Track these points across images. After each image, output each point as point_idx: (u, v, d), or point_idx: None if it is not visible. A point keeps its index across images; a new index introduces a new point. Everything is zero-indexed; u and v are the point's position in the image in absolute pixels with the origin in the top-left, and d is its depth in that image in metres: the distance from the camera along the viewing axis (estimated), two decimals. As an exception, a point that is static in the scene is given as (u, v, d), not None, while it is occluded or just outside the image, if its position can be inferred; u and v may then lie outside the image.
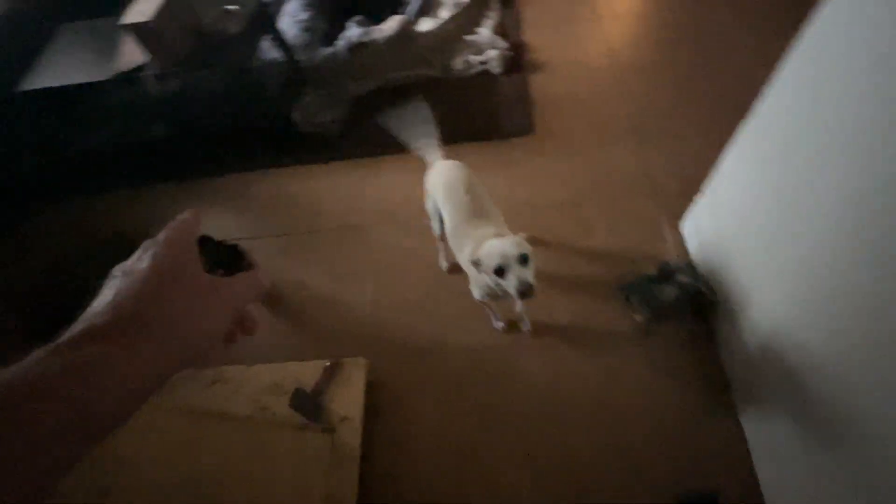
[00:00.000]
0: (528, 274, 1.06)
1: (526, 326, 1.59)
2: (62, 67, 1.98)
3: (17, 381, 0.25)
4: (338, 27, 2.41)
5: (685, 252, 1.65)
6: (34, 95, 1.97)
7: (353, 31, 2.26)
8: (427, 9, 2.47)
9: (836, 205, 0.86)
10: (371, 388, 1.53)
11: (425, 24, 2.37)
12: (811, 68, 0.92)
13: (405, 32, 2.21)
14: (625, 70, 2.19)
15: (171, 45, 1.77)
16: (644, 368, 1.48)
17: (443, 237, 1.56)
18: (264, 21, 2.06)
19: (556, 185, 1.90)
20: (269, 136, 2.30)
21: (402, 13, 2.42)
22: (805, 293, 0.99)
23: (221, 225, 2.08)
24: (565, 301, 1.64)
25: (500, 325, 1.60)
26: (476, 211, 1.29)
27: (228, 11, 1.90)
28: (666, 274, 1.53)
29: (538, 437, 1.43)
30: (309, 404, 1.45)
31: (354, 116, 2.24)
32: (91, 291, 0.34)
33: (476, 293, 1.33)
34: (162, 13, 1.68)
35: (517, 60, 2.31)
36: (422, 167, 2.07)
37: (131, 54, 1.89)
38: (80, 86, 1.94)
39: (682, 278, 1.46)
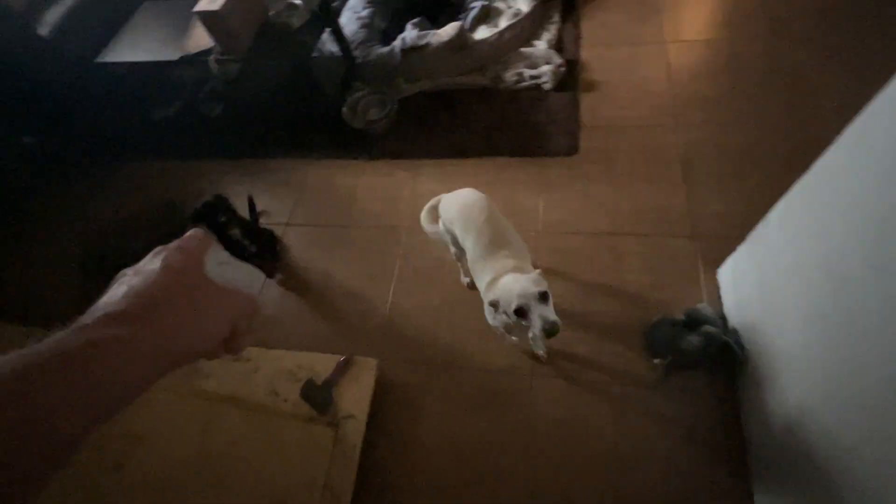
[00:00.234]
0: (551, 312, 1.04)
1: (541, 352, 1.57)
2: (137, 44, 2.12)
3: (47, 352, 0.27)
4: (396, 27, 2.44)
5: (718, 300, 1.58)
6: (110, 67, 2.12)
7: (409, 33, 2.28)
8: (486, 17, 2.46)
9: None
10: (378, 390, 1.56)
11: (482, 33, 2.36)
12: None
13: (461, 39, 2.21)
14: (683, 100, 2.10)
15: (236, 34, 1.85)
16: (657, 417, 1.43)
17: (459, 258, 1.57)
18: (327, 16, 2.11)
19: (592, 212, 1.86)
20: (318, 127, 2.36)
21: (461, 19, 2.42)
22: (842, 379, 0.93)
23: (263, 206, 2.16)
24: (584, 333, 1.61)
25: (513, 339, 1.54)
26: (496, 241, 1.27)
27: (293, 6, 1.97)
28: (694, 321, 1.47)
29: (540, 471, 1.42)
30: (318, 396, 1.50)
31: (400, 117, 2.27)
32: (139, 250, 0.39)
33: (489, 319, 1.33)
34: (231, 4, 1.76)
35: (570, 77, 2.26)
36: (458, 176, 2.09)
37: (200, 38, 1.99)
38: (150, 63, 2.07)
39: (711, 329, 1.40)
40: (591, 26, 2.48)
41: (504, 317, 1.11)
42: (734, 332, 1.44)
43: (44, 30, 2.09)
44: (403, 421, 1.56)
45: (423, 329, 1.72)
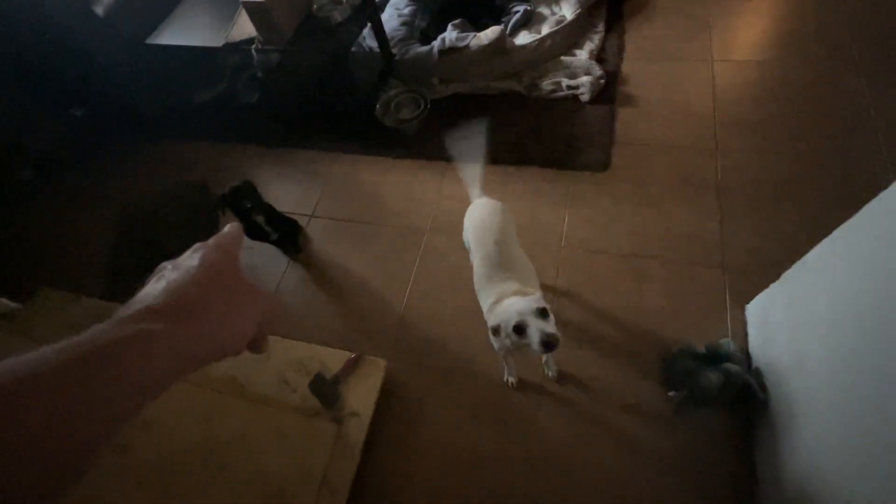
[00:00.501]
0: (550, 325, 1.03)
1: (551, 371, 1.54)
2: (185, 28, 2.18)
3: (90, 344, 0.28)
4: (436, 27, 2.43)
5: (743, 338, 1.51)
6: (158, 49, 2.19)
7: (450, 34, 2.27)
8: (528, 22, 2.42)
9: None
10: (384, 390, 1.57)
11: (523, 38, 2.32)
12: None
13: (501, 44, 2.18)
14: (725, 123, 2.02)
15: (279, 26, 1.88)
16: (666, 453, 1.38)
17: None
18: (370, 12, 2.12)
19: (619, 232, 1.81)
20: (350, 121, 2.39)
21: (503, 22, 2.39)
22: (866, 443, 0.87)
23: (289, 195, 2.20)
24: (598, 357, 1.57)
25: (511, 380, 1.55)
26: (503, 263, 1.26)
27: (338, 1, 1.98)
28: (715, 357, 1.42)
29: (539, 493, 1.39)
30: (327, 391, 1.51)
31: (431, 118, 2.26)
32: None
33: (494, 343, 1.32)
34: (277, -4, 1.79)
35: (608, 90, 2.21)
36: (485, 184, 2.06)
37: (244, 27, 2.03)
38: (196, 48, 2.12)
39: (732, 367, 1.35)
40: (636, 38, 2.41)
41: (507, 341, 1.10)
42: (757, 372, 1.38)
43: (100, 9, 2.17)
44: (406, 424, 1.56)
45: (435, 335, 1.71)
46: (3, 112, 2.42)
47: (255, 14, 1.85)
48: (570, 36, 2.33)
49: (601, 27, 2.42)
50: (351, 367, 1.59)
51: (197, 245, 0.39)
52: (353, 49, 2.17)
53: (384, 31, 2.29)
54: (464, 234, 1.46)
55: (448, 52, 2.24)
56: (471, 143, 1.53)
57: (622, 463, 1.40)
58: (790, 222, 1.70)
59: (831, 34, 2.20)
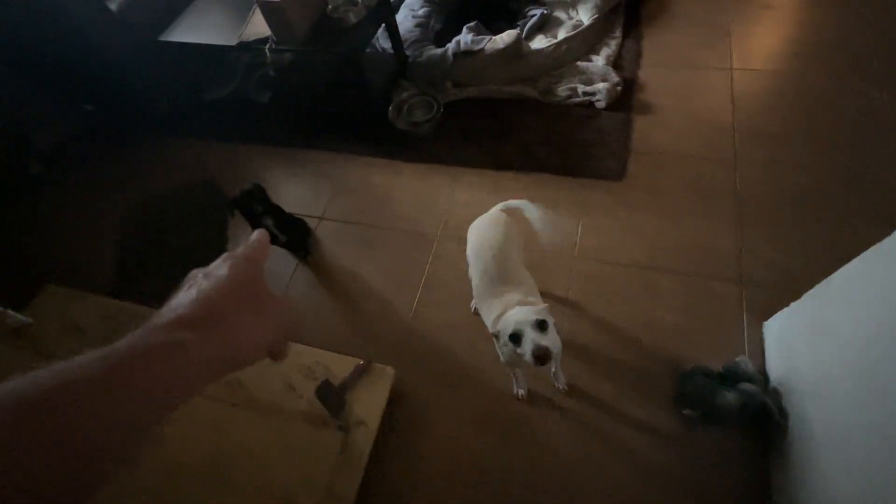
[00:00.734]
0: (545, 338, 1.02)
1: (560, 384, 1.51)
2: (198, 26, 2.16)
3: (139, 346, 0.30)
4: (450, 29, 2.41)
5: (761, 356, 1.48)
6: (171, 46, 2.17)
7: (465, 37, 2.24)
8: (544, 26, 2.39)
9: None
10: (392, 399, 1.54)
11: (539, 42, 2.29)
12: None
13: (517, 48, 2.15)
14: (744, 133, 1.98)
15: (294, 26, 1.86)
16: (679, 472, 1.35)
17: None
18: (384, 12, 2.10)
19: (632, 243, 1.78)
20: (362, 123, 2.36)
21: (518, 26, 2.35)
22: (889, 476, 0.84)
23: (299, 196, 2.19)
24: (610, 371, 1.54)
25: (521, 392, 1.52)
26: (503, 278, 1.25)
27: (353, 1, 1.96)
28: (732, 376, 1.38)
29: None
30: (334, 399, 1.49)
31: (444, 122, 2.24)
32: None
33: (501, 354, 1.30)
34: (292, -4, 1.77)
35: (625, 97, 2.17)
36: (498, 189, 2.04)
37: (257, 26, 2.01)
38: (209, 45, 2.11)
39: (750, 388, 1.31)
40: (654, 45, 2.38)
41: (506, 349, 1.10)
42: (775, 393, 1.35)
43: (114, 4, 2.16)
44: (413, 434, 1.54)
45: (444, 344, 1.69)
46: (13, 106, 2.41)
47: (270, 13, 1.83)
48: (586, 41, 2.30)
49: (618, 32, 2.39)
50: (359, 373, 1.56)
51: (227, 254, 0.40)
52: (367, 51, 2.15)
53: (398, 32, 2.26)
54: (467, 249, 1.45)
55: (463, 55, 2.22)
56: None
57: (631, 482, 1.36)
58: (811, 237, 1.66)
59: (852, 45, 2.16)
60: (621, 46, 2.36)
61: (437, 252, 1.90)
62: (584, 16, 2.33)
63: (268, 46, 1.98)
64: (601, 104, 2.14)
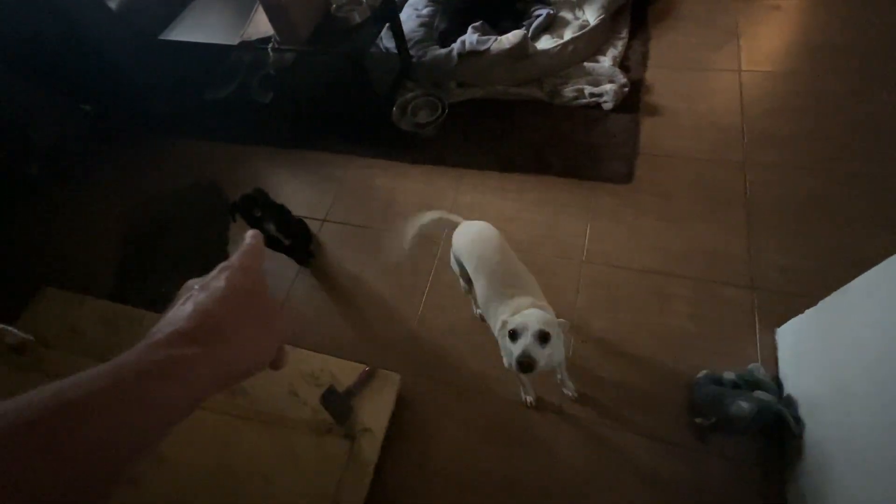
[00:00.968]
0: (537, 350, 1.01)
1: (569, 391, 1.49)
2: (200, 25, 2.13)
3: (138, 364, 0.29)
4: (455, 29, 2.37)
5: (773, 363, 1.45)
6: (172, 45, 2.14)
7: (470, 37, 2.21)
8: (550, 26, 2.36)
9: None
10: (398, 406, 1.51)
11: (544, 43, 2.26)
12: None
13: (523, 48, 2.12)
14: (754, 136, 1.95)
15: (297, 25, 1.83)
16: (691, 483, 1.33)
17: (470, 293, 1.52)
18: (389, 12, 2.07)
19: (642, 248, 1.75)
20: (365, 124, 2.33)
21: (524, 26, 2.32)
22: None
23: (302, 198, 2.15)
24: (620, 379, 1.51)
25: (529, 399, 1.49)
26: (509, 281, 1.23)
27: (357, 1, 1.92)
28: (746, 384, 1.36)
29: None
30: (339, 406, 1.46)
31: (448, 123, 2.21)
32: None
33: (504, 360, 1.27)
34: (296, -5, 1.74)
35: (632, 99, 2.14)
36: (502, 191, 2.02)
37: (260, 25, 1.98)
38: (210, 45, 2.07)
39: (765, 396, 1.28)
40: (661, 46, 2.35)
41: (507, 342, 1.08)
42: (789, 401, 1.32)
43: (113, 3, 2.13)
44: (419, 442, 1.51)
45: (450, 349, 1.66)
46: (12, 106, 2.37)
47: (273, 12, 1.80)
48: (593, 41, 2.27)
49: (625, 33, 2.36)
50: (364, 380, 1.54)
51: (223, 265, 0.39)
52: (371, 52, 2.12)
53: (403, 32, 2.23)
54: (453, 259, 1.42)
55: (468, 55, 2.19)
56: None
57: (641, 492, 1.34)
58: (824, 242, 1.63)
59: (862, 47, 2.13)
60: (628, 47, 2.33)
61: (443, 256, 1.86)
62: (591, 16, 2.30)
63: (270, 46, 1.95)
64: (608, 106, 2.11)
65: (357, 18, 1.90)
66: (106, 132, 2.62)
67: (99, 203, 2.38)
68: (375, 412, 1.48)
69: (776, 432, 1.30)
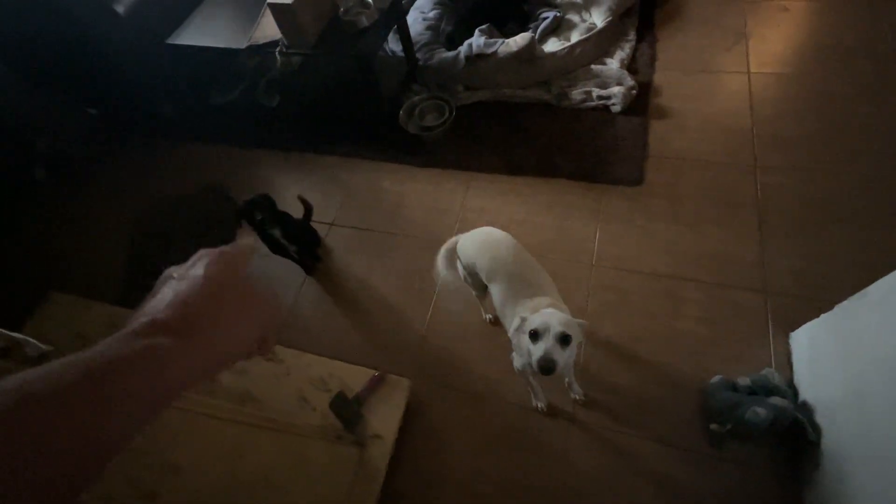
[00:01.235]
0: (558, 353, 1.00)
1: (577, 394, 1.47)
2: (207, 29, 2.13)
3: (111, 355, 0.28)
4: (461, 32, 2.37)
5: (788, 368, 1.43)
6: (179, 49, 2.13)
7: (477, 40, 2.20)
8: (557, 28, 2.35)
9: None
10: (407, 411, 1.50)
11: (551, 45, 2.25)
12: None
13: (530, 51, 2.11)
14: (764, 138, 1.94)
15: (305, 29, 1.82)
16: (706, 490, 1.31)
17: (481, 299, 1.52)
18: (396, 15, 2.06)
19: (653, 251, 1.74)
20: (372, 127, 2.33)
21: (531, 29, 2.32)
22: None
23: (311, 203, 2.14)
24: (632, 384, 1.50)
25: (539, 405, 1.48)
26: (528, 280, 1.22)
27: (365, 3, 1.92)
28: (761, 390, 1.34)
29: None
30: (348, 411, 1.45)
31: (456, 126, 2.20)
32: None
33: (516, 362, 1.25)
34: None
35: (640, 102, 2.13)
36: (511, 194, 2.00)
37: (267, 29, 1.97)
38: (218, 49, 2.07)
39: (781, 402, 1.27)
40: (669, 48, 2.33)
41: (526, 342, 1.07)
42: (805, 407, 1.30)
43: (121, 7, 2.12)
44: (429, 448, 1.50)
45: (459, 355, 1.65)
46: (17, 110, 2.38)
47: (281, 16, 1.79)
48: (600, 44, 2.26)
49: (632, 35, 2.35)
50: (373, 385, 1.52)
51: (201, 252, 0.38)
52: (378, 55, 2.11)
53: (410, 35, 2.22)
54: (459, 269, 1.41)
55: (475, 58, 2.18)
56: None
57: (656, 500, 1.32)
58: (837, 245, 1.62)
59: (873, 47, 2.11)
60: (635, 49, 2.32)
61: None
62: (598, 18, 2.29)
63: (278, 50, 1.95)
64: (616, 108, 2.10)
65: (365, 22, 1.89)
66: (112, 136, 2.62)
67: (105, 207, 2.38)
68: (385, 418, 1.47)
69: (792, 439, 1.28)
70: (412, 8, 2.53)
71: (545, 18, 2.34)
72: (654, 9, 2.48)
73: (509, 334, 1.22)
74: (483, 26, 2.30)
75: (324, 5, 1.89)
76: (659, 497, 1.32)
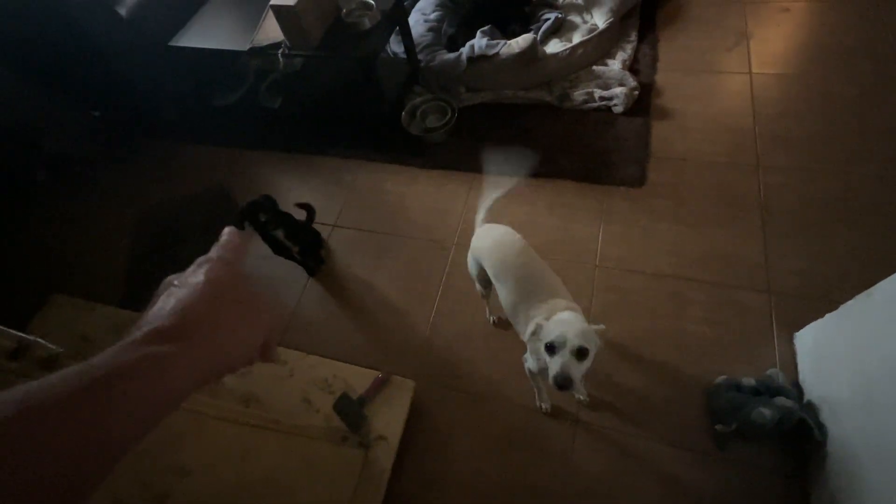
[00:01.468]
0: (575, 367, 0.97)
1: (581, 395, 1.47)
2: (209, 31, 2.13)
3: (112, 363, 0.29)
4: (463, 33, 2.37)
5: (793, 368, 1.43)
6: (181, 51, 2.14)
7: (479, 42, 2.21)
8: (558, 30, 2.35)
9: None
10: (411, 413, 1.50)
11: (553, 46, 2.26)
12: None
13: (532, 52, 2.11)
14: (767, 139, 1.94)
15: (308, 31, 1.83)
16: (712, 491, 1.30)
17: (485, 296, 1.52)
18: (398, 17, 2.06)
19: (656, 252, 1.74)
20: (374, 128, 2.33)
21: (532, 30, 2.32)
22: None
23: (312, 204, 2.13)
24: (637, 385, 1.49)
25: (544, 405, 1.47)
26: (539, 284, 1.21)
27: (367, 5, 1.92)
28: (766, 390, 1.34)
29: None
30: (352, 413, 1.45)
31: (458, 127, 2.20)
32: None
33: (529, 363, 1.25)
34: (306, 1, 1.73)
35: (642, 102, 2.13)
36: (513, 196, 2.00)
37: (269, 31, 1.97)
38: (220, 51, 2.07)
39: (786, 403, 1.26)
40: (670, 49, 2.34)
41: (540, 348, 1.04)
42: (811, 407, 1.30)
43: (123, 9, 2.13)
44: (433, 450, 1.49)
45: (463, 356, 1.64)
46: (20, 112, 2.38)
47: (284, 18, 1.80)
48: (602, 45, 2.26)
49: (634, 36, 2.35)
50: (377, 387, 1.52)
51: (200, 259, 0.38)
52: (380, 56, 2.11)
53: (412, 36, 2.23)
54: (471, 260, 1.40)
55: (477, 59, 2.18)
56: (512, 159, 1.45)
57: (661, 501, 1.32)
58: (841, 245, 1.62)
59: (875, 48, 2.12)
60: (637, 50, 2.32)
61: (455, 260, 1.85)
62: (599, 19, 2.29)
63: (280, 51, 1.95)
64: (618, 109, 2.10)
65: (367, 24, 1.90)
66: (115, 138, 2.62)
67: (108, 209, 2.38)
68: (390, 420, 1.46)
69: (798, 439, 1.28)
70: (414, 9, 2.53)
71: (547, 20, 2.34)
72: (655, 10, 2.48)
73: (523, 338, 1.21)
74: (485, 28, 2.30)
75: (326, 7, 1.89)
76: (664, 498, 1.32)
